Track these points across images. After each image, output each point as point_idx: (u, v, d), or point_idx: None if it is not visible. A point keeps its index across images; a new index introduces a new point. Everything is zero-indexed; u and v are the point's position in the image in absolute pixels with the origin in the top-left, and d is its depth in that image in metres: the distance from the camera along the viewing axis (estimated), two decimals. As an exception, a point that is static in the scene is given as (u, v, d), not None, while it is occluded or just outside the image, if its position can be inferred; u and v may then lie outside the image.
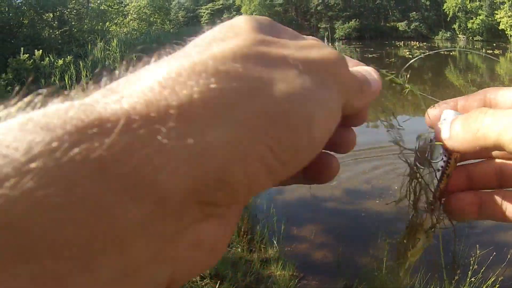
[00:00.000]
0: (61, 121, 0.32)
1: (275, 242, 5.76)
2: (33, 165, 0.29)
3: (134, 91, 0.36)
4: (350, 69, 0.52)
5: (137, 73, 0.41)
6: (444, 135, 0.60)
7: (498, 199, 0.61)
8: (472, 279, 4.32)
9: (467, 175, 0.66)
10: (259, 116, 0.37)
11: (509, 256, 4.59)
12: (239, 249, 5.71)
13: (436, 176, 0.63)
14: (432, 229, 0.64)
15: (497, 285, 4.23)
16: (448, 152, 0.61)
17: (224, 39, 0.42)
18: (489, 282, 4.31)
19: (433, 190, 0.63)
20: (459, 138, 0.57)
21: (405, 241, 0.66)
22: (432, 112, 0.68)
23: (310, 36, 0.54)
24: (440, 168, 0.62)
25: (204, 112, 0.35)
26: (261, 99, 0.38)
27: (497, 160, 0.64)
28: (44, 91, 0.40)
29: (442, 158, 0.62)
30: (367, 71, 0.58)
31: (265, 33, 0.45)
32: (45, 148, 0.30)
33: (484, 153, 0.64)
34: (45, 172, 0.29)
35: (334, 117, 0.45)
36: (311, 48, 0.46)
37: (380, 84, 0.59)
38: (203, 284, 4.99)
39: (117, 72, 0.44)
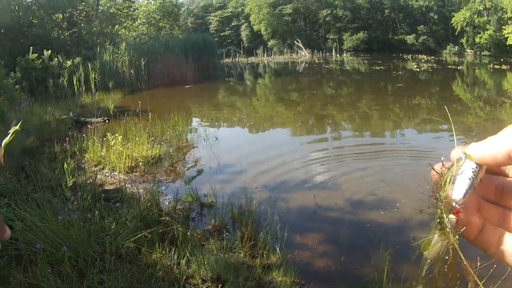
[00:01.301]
0: None
1: (277, 249, 5.78)
2: None
3: None
4: None
5: None
6: (475, 147, 0.65)
7: (495, 236, 0.66)
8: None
9: (477, 201, 0.70)
10: None
11: (509, 269, 4.60)
12: (241, 254, 5.73)
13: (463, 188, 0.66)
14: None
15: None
16: (478, 165, 0.66)
17: None
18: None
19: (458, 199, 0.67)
20: (490, 149, 0.62)
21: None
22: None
23: None
24: (467, 174, 0.66)
25: None
26: None
27: (500, 177, 0.69)
28: None
29: (471, 169, 0.66)
30: None
31: None
32: None
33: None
34: None
35: None
36: None
37: None
38: (204, 287, 5.02)
39: None
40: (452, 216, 0.67)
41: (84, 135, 11.95)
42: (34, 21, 26.20)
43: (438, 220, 0.68)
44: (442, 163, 0.72)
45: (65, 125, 14.25)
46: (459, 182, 0.66)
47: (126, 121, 13.58)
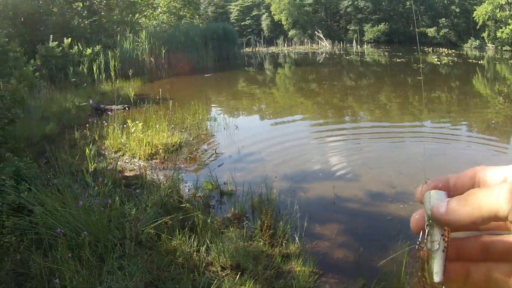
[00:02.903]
0: None
1: (296, 239, 5.78)
2: None
3: None
4: None
5: None
6: (441, 210, 0.60)
7: (481, 274, 0.63)
8: None
9: (456, 248, 0.66)
10: None
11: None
12: (261, 243, 5.74)
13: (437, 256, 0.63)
14: None
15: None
16: (443, 228, 0.63)
17: None
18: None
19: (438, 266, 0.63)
20: (457, 212, 0.58)
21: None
22: (423, 188, 0.67)
23: None
24: (440, 246, 0.63)
25: None
26: None
27: (484, 237, 0.65)
28: None
29: (441, 237, 0.63)
30: None
31: None
32: None
33: (474, 226, 0.62)
34: None
35: None
36: None
37: None
38: (223, 274, 5.03)
39: None
40: None
41: (104, 122, 12.03)
42: (54, 10, 26.30)
43: None
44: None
45: (85, 112, 14.34)
46: (436, 260, 0.63)
47: (146, 108, 13.62)
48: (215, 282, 4.74)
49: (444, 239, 0.62)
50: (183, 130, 12.04)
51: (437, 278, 0.61)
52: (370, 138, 11.91)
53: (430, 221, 0.63)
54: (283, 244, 5.79)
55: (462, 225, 0.59)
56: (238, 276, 4.89)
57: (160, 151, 9.86)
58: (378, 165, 9.24)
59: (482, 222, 0.56)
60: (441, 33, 56.84)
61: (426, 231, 0.64)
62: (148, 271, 4.92)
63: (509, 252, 0.62)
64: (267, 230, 5.91)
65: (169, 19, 36.45)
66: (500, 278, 0.60)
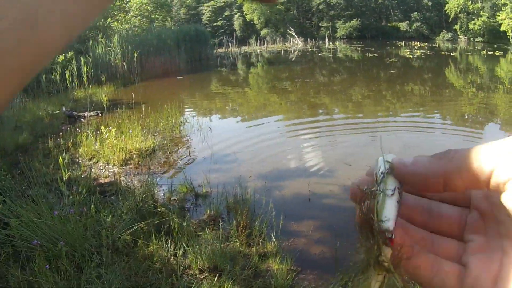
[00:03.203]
0: None
1: (273, 237, 5.81)
2: None
3: None
4: None
5: None
6: (407, 160, 0.56)
7: (428, 260, 0.57)
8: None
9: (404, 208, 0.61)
10: None
11: None
12: (237, 243, 5.76)
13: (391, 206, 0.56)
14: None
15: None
16: (400, 182, 0.57)
17: None
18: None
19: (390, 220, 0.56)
20: (428, 164, 0.53)
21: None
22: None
23: None
24: (395, 195, 0.57)
25: None
26: None
27: (428, 200, 0.61)
28: None
29: (397, 190, 0.57)
30: None
31: None
32: None
33: (437, 188, 0.55)
34: None
35: None
36: None
37: None
38: (202, 277, 5.04)
39: None
40: (388, 249, 0.57)
41: (77, 129, 11.94)
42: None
43: (375, 256, 0.57)
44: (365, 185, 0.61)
45: (58, 120, 14.21)
46: (388, 205, 0.57)
47: (120, 113, 13.55)
48: (193, 285, 4.76)
49: (399, 193, 0.56)
50: (156, 134, 11.99)
51: (388, 223, 0.55)
52: (345, 133, 11.98)
53: (385, 169, 0.58)
54: (260, 243, 5.82)
55: (425, 186, 0.54)
56: (216, 278, 4.90)
57: (134, 156, 9.81)
58: (353, 159, 9.29)
59: (455, 181, 0.52)
60: (413, 27, 57.31)
61: (380, 177, 0.58)
62: (126, 278, 4.92)
63: (451, 225, 0.60)
64: (243, 230, 5.92)
65: (141, 22, 36.28)
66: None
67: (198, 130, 12.70)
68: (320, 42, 55.17)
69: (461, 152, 0.51)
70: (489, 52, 35.81)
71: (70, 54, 22.80)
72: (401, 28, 58.01)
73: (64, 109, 15.21)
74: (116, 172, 9.01)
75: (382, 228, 0.55)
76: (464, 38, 53.05)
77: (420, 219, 0.61)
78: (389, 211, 0.55)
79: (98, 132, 10.64)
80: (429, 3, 57.35)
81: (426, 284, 0.57)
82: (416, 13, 57.42)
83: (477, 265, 0.54)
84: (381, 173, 0.58)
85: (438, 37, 55.47)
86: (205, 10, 66.03)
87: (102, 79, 21.57)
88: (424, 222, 0.61)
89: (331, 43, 53.65)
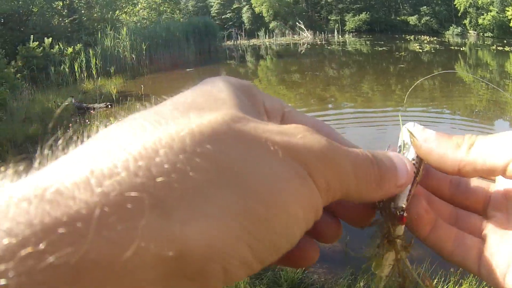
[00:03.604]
0: (25, 218, 0.29)
1: (282, 231, 5.80)
2: (1, 282, 0.27)
3: (104, 168, 0.33)
4: (377, 154, 0.51)
5: (103, 136, 0.39)
6: (428, 136, 0.56)
7: (451, 234, 0.59)
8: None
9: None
10: (239, 212, 0.35)
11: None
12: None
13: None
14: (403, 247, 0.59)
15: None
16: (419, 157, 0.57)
17: (202, 108, 0.40)
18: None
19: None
20: (441, 149, 0.54)
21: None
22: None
23: (309, 118, 0.52)
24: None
25: (182, 204, 0.33)
26: (240, 192, 0.36)
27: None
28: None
29: (415, 163, 0.57)
30: (400, 160, 0.53)
31: (245, 107, 0.43)
32: (14, 259, 0.27)
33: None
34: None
35: (315, 213, 0.42)
36: (294, 134, 0.42)
37: (410, 178, 0.53)
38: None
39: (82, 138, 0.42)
40: (400, 227, 0.58)
41: (87, 120, 11.97)
42: (34, 10, 26.12)
43: (385, 232, 0.58)
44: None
45: (67, 111, 14.26)
46: None
47: (129, 105, 13.55)
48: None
49: (415, 165, 0.56)
50: (166, 126, 12.00)
51: (399, 200, 0.55)
52: (354, 126, 11.96)
53: (403, 142, 0.59)
54: (269, 236, 5.82)
55: (439, 167, 0.55)
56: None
57: (144, 148, 9.82)
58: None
59: (469, 171, 0.53)
60: (422, 21, 57.01)
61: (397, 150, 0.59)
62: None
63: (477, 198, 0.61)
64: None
65: (150, 15, 36.33)
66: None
67: (207, 123, 12.67)
68: (329, 35, 54.92)
69: (479, 143, 0.52)
70: (498, 48, 35.56)
71: (78, 46, 22.86)
72: (410, 22, 57.68)
73: (73, 100, 15.25)
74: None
75: (393, 206, 0.56)
76: (474, 33, 52.74)
77: (447, 193, 0.62)
78: None
79: (107, 123, 10.62)
80: (439, -3, 57.16)
81: (447, 256, 0.59)
82: (425, 7, 57.08)
83: (495, 242, 0.56)
84: (399, 146, 0.59)
85: (447, 31, 55.18)
86: (214, 2, 65.97)
87: (111, 71, 21.67)
88: (450, 196, 0.62)
89: (340, 36, 53.44)
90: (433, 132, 0.56)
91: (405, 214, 0.55)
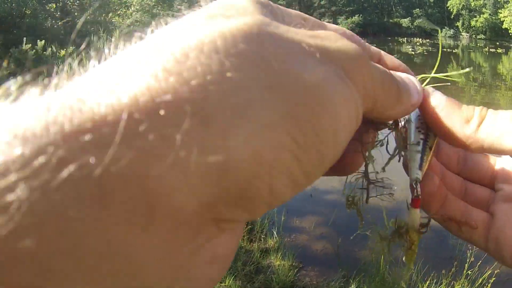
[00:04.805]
0: (42, 124, 0.25)
1: (275, 233, 5.80)
2: (10, 197, 0.23)
3: (132, 77, 0.29)
4: (393, 72, 0.48)
5: (132, 50, 0.35)
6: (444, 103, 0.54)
7: (459, 208, 0.59)
8: (469, 272, 4.36)
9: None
10: (284, 116, 0.32)
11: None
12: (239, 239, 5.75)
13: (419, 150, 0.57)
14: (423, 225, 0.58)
15: (493, 278, 4.26)
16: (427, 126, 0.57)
17: (227, 16, 0.36)
18: (485, 275, 4.35)
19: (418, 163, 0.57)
20: (455, 121, 0.53)
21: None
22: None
23: (333, 26, 0.48)
24: (420, 140, 0.57)
25: (222, 109, 0.29)
26: (283, 93, 0.33)
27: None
28: (19, 78, 0.30)
29: (420, 131, 0.57)
30: (411, 80, 0.51)
31: (271, 15, 0.39)
32: (26, 170, 0.23)
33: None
34: (29, 209, 0.23)
35: (357, 118, 0.40)
36: (328, 38, 0.39)
37: (421, 97, 0.52)
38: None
39: (107, 49, 0.36)
40: (415, 212, 0.57)
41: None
42: (27, 12, 26.06)
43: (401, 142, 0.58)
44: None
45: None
46: (412, 152, 0.57)
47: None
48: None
49: (423, 140, 0.57)
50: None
51: (413, 173, 0.56)
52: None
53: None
54: (262, 239, 5.81)
55: (452, 140, 0.53)
56: (217, 273, 4.90)
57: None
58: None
59: (477, 147, 0.52)
60: (415, 23, 57.22)
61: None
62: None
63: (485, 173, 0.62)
64: (245, 226, 5.92)
65: (143, 17, 36.27)
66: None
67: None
68: (322, 38, 55.05)
69: (489, 120, 0.52)
70: (491, 50, 35.79)
71: (71, 49, 22.83)
72: (403, 25, 57.95)
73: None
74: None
75: (415, 177, 0.56)
76: (466, 35, 53.05)
77: (456, 167, 0.63)
78: (414, 158, 0.57)
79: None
80: (431, 0, 57.31)
81: (455, 231, 0.59)
82: (418, 9, 57.38)
83: (502, 215, 0.56)
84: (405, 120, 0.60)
85: (440, 33, 55.38)
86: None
87: (104, 74, 21.65)
88: (459, 170, 0.63)
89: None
90: (443, 98, 0.55)
91: (419, 195, 0.56)
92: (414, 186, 0.56)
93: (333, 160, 0.39)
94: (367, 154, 0.53)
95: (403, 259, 0.61)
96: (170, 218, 0.28)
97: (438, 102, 0.54)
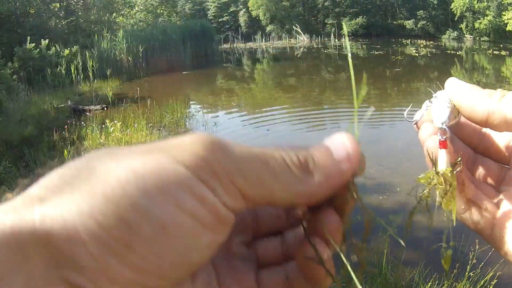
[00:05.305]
0: None
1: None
2: None
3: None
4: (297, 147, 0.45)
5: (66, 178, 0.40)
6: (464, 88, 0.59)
7: (470, 189, 0.60)
8: (471, 274, 4.36)
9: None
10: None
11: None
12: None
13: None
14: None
15: (495, 280, 4.26)
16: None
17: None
18: (488, 277, 4.34)
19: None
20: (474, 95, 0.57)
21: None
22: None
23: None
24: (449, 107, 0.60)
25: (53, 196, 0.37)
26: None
27: (474, 153, 0.65)
28: None
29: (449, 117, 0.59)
30: (334, 144, 0.47)
31: None
32: None
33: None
34: None
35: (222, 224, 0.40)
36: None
37: (353, 163, 0.46)
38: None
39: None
40: (443, 151, 0.57)
41: (83, 123, 11.95)
42: (31, 11, 26.09)
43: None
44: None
45: (63, 113, 14.23)
46: (438, 108, 0.60)
47: (125, 108, 13.58)
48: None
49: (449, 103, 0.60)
50: (161, 128, 12.00)
51: (439, 119, 0.59)
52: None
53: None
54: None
55: (468, 115, 0.57)
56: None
57: (140, 150, 9.80)
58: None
59: (496, 123, 0.54)
60: (419, 25, 57.09)
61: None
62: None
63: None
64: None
65: (146, 17, 36.29)
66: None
67: (203, 126, 12.71)
68: (326, 39, 54.96)
69: (511, 94, 0.55)
70: (495, 52, 35.62)
71: (75, 48, 22.83)
72: (406, 26, 57.76)
73: (69, 102, 15.24)
74: (121, 166, 9.00)
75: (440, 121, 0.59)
76: (470, 37, 52.84)
77: (475, 142, 0.65)
78: (439, 112, 0.60)
79: (103, 126, 10.66)
80: (435, 1, 57.15)
81: (460, 217, 0.62)
82: (421, 11, 57.19)
83: (505, 214, 0.57)
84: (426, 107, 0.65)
85: (443, 35, 55.28)
86: (211, 5, 65.95)
87: (107, 73, 21.64)
88: (475, 146, 0.65)
89: (336, 40, 53.46)
90: (466, 84, 0.59)
91: (445, 139, 0.58)
92: (441, 128, 0.58)
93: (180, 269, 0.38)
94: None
95: (442, 206, 0.59)
96: None
97: (463, 84, 0.59)
